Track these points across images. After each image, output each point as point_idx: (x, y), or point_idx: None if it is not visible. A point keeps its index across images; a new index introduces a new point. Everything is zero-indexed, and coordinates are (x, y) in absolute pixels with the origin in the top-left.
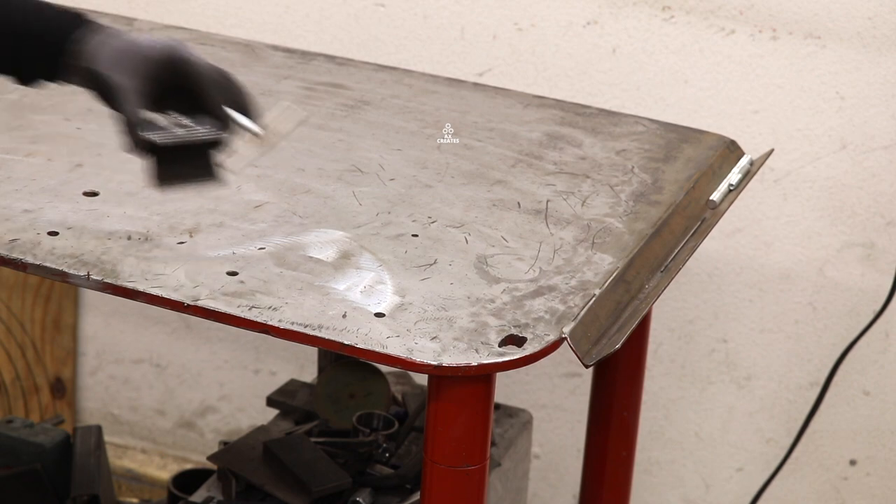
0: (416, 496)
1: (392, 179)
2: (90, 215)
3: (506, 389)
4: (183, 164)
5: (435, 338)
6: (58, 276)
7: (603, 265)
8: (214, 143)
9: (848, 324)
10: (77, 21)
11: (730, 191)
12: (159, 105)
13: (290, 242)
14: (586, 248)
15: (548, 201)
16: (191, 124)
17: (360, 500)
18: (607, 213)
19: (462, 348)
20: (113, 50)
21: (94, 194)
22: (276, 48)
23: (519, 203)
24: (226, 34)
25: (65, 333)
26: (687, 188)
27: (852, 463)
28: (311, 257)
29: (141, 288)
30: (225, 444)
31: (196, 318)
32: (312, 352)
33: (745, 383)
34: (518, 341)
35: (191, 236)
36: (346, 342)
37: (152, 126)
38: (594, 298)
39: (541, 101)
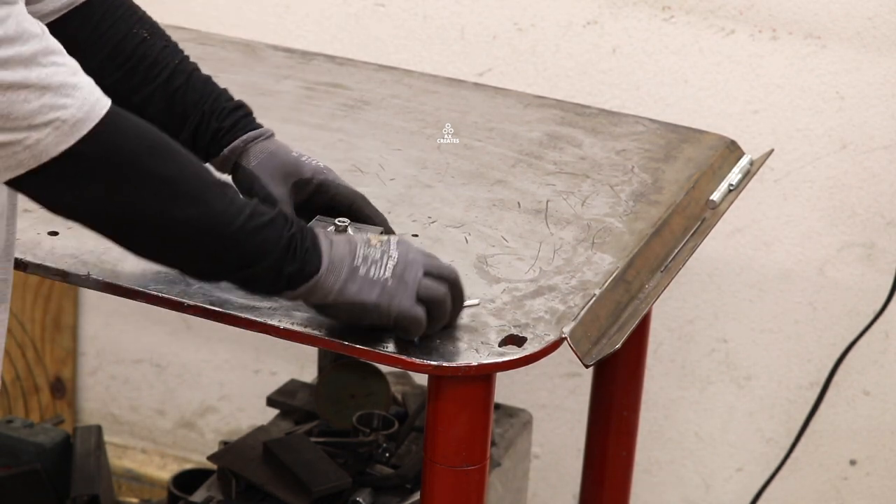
0: (416, 496)
1: (392, 179)
2: None
3: (506, 389)
4: None
5: (435, 337)
6: (58, 276)
7: (603, 265)
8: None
9: (848, 324)
10: (247, 121)
11: (730, 191)
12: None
13: None
14: (586, 248)
15: (548, 201)
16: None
17: (360, 500)
18: (607, 212)
19: (462, 348)
20: (274, 160)
21: None
22: (276, 48)
23: (519, 203)
24: (226, 34)
25: (65, 333)
26: (687, 188)
27: (852, 463)
28: None
29: (141, 288)
30: (225, 444)
31: (196, 318)
32: (312, 352)
33: (745, 383)
34: (518, 341)
35: None
36: (346, 342)
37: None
38: (594, 298)
39: (541, 101)
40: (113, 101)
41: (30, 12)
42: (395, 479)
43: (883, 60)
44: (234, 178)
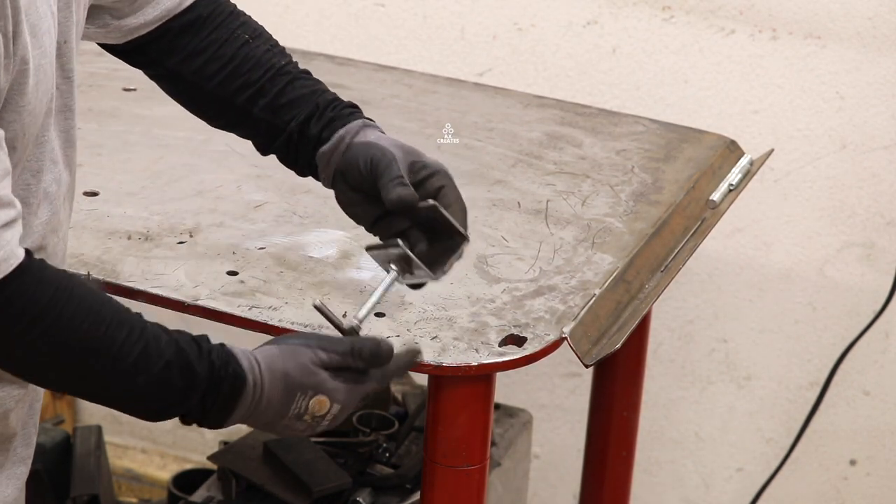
0: (416, 496)
1: None
2: (90, 215)
3: (506, 389)
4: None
5: (435, 338)
6: None
7: (603, 265)
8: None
9: (848, 324)
10: (361, 114)
11: (730, 191)
12: None
13: (290, 242)
14: (586, 248)
15: (548, 201)
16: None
17: (360, 500)
18: (607, 212)
19: (462, 348)
20: (395, 140)
21: (94, 194)
22: None
23: (519, 203)
24: None
25: None
26: (687, 188)
27: (852, 463)
28: (311, 257)
29: (141, 288)
30: (225, 444)
31: (196, 317)
32: None
33: (745, 383)
34: (518, 341)
35: (191, 236)
36: None
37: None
38: (594, 298)
39: (541, 101)
40: (216, 104)
41: (118, 26)
42: (395, 479)
43: (883, 60)
44: (346, 153)
